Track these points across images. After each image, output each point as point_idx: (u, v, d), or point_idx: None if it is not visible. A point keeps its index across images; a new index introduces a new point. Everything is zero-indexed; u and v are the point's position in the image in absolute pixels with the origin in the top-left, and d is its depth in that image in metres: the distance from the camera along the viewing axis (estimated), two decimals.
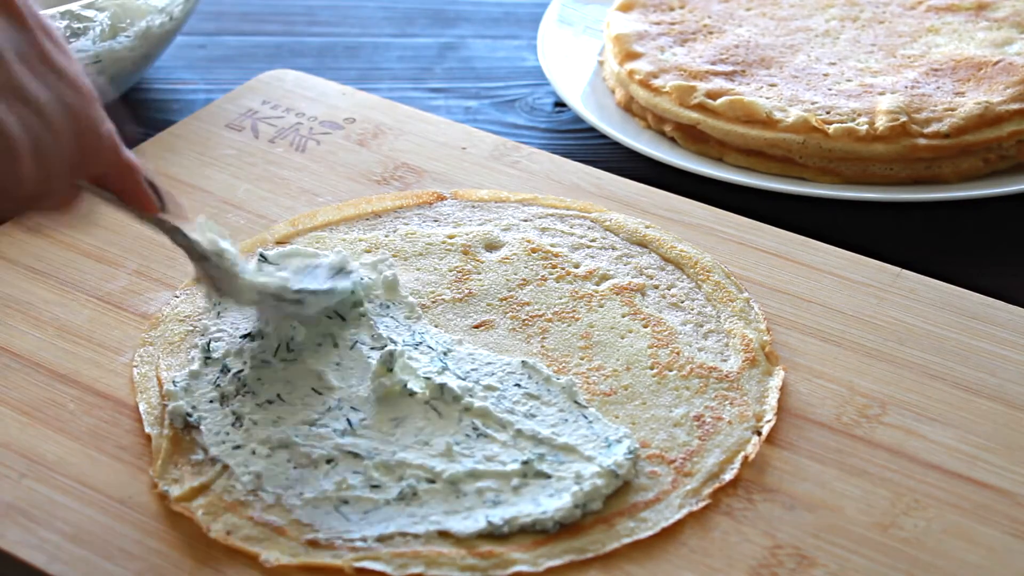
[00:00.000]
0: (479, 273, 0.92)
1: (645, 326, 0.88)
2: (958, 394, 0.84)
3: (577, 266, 0.93)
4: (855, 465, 0.79)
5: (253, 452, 0.79)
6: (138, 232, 0.98)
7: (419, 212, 0.98)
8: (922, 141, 1.04)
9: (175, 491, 0.77)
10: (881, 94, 1.09)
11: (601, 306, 0.90)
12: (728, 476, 0.78)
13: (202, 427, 0.81)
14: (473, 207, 0.99)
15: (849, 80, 1.11)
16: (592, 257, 0.94)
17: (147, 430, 0.82)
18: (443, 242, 0.95)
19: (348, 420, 0.80)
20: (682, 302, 0.90)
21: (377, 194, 1.01)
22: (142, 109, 1.23)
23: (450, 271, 0.93)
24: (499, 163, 1.05)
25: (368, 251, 0.94)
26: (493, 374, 0.84)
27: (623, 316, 0.89)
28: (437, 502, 0.76)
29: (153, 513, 0.77)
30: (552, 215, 0.98)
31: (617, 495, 0.77)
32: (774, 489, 0.78)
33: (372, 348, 0.85)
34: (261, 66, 1.22)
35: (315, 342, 0.85)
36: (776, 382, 0.84)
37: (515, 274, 0.92)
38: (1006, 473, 0.78)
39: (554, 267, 0.93)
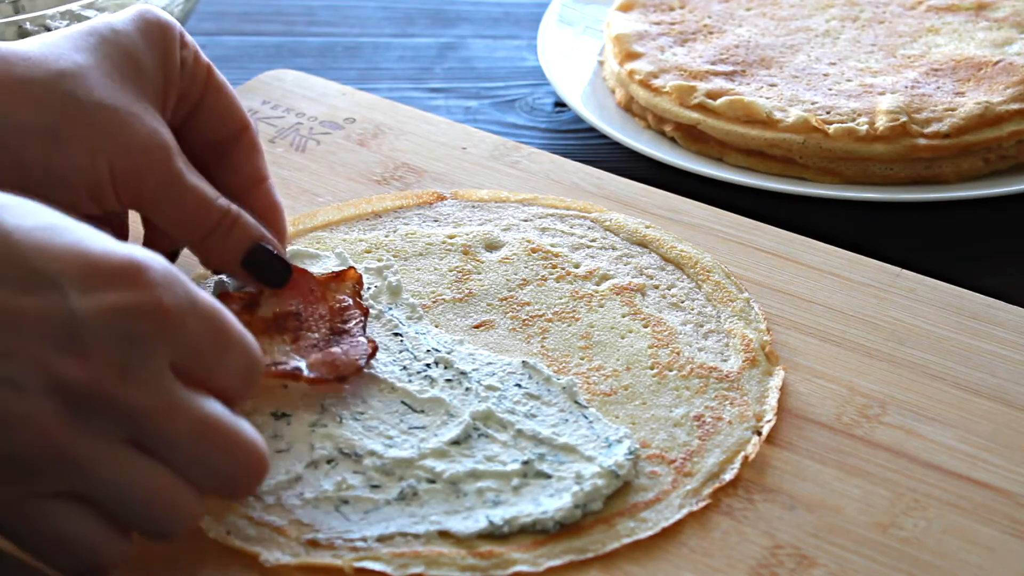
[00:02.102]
0: (479, 273, 0.92)
1: (645, 326, 0.88)
2: (958, 394, 0.84)
3: (577, 266, 0.93)
4: (855, 465, 0.79)
5: None
6: (138, 232, 0.98)
7: (419, 212, 0.98)
8: (922, 141, 1.05)
9: None
10: (881, 94, 1.09)
11: (601, 306, 0.90)
12: (728, 476, 0.78)
13: None
14: (473, 207, 0.99)
15: (849, 80, 1.11)
16: (592, 257, 0.94)
17: None
18: (443, 242, 0.95)
19: (342, 416, 0.81)
20: (682, 302, 0.90)
21: (377, 194, 1.01)
22: None
23: (450, 271, 0.93)
24: (499, 163, 1.05)
25: (368, 251, 0.94)
26: (494, 374, 0.84)
27: (623, 316, 0.89)
28: (437, 502, 0.76)
29: None
30: (552, 215, 0.98)
31: (617, 495, 0.77)
32: (774, 489, 0.78)
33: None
34: (261, 66, 1.23)
35: None
36: (776, 382, 0.84)
37: (515, 274, 0.92)
38: (1006, 473, 0.78)
39: (554, 267, 0.93)
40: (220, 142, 0.84)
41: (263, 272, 0.83)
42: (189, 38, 0.82)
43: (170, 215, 0.80)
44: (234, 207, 0.82)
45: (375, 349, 0.83)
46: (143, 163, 0.78)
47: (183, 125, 0.84)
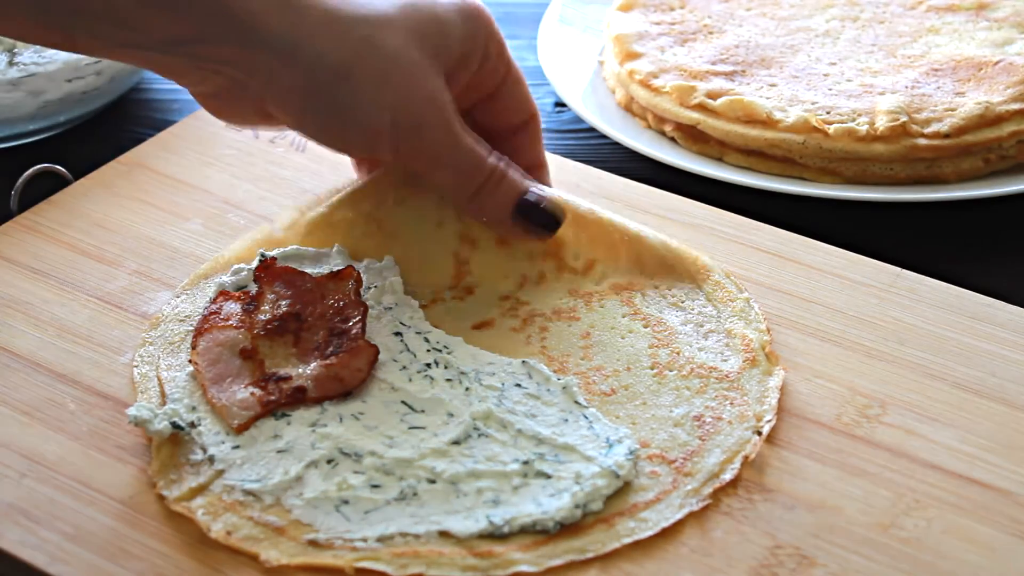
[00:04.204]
0: (479, 270, 0.92)
1: (645, 326, 0.88)
2: (958, 394, 0.84)
3: (577, 258, 0.92)
4: (855, 465, 0.79)
5: (253, 452, 0.79)
6: (138, 232, 0.98)
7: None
8: (922, 141, 1.05)
9: (174, 491, 0.77)
10: (881, 94, 1.09)
11: (602, 305, 0.89)
12: (728, 476, 0.78)
13: (202, 427, 0.81)
14: None
15: (849, 80, 1.11)
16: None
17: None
18: (441, 236, 0.94)
19: (342, 416, 0.81)
20: (682, 302, 0.90)
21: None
22: (142, 109, 1.23)
23: (448, 264, 0.92)
24: None
25: (365, 236, 0.93)
26: (494, 374, 0.84)
27: (623, 316, 0.89)
28: (437, 502, 0.76)
29: (153, 513, 0.77)
30: None
31: (617, 495, 0.77)
32: (774, 489, 0.78)
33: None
34: None
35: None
36: (776, 382, 0.84)
37: (514, 271, 0.92)
38: (1006, 473, 0.78)
39: (555, 263, 0.92)
40: (506, 129, 0.90)
41: (533, 221, 0.88)
42: (500, 35, 0.87)
43: (443, 172, 0.85)
44: (503, 162, 0.86)
45: (376, 354, 0.83)
46: (425, 118, 0.82)
47: (473, 109, 0.89)
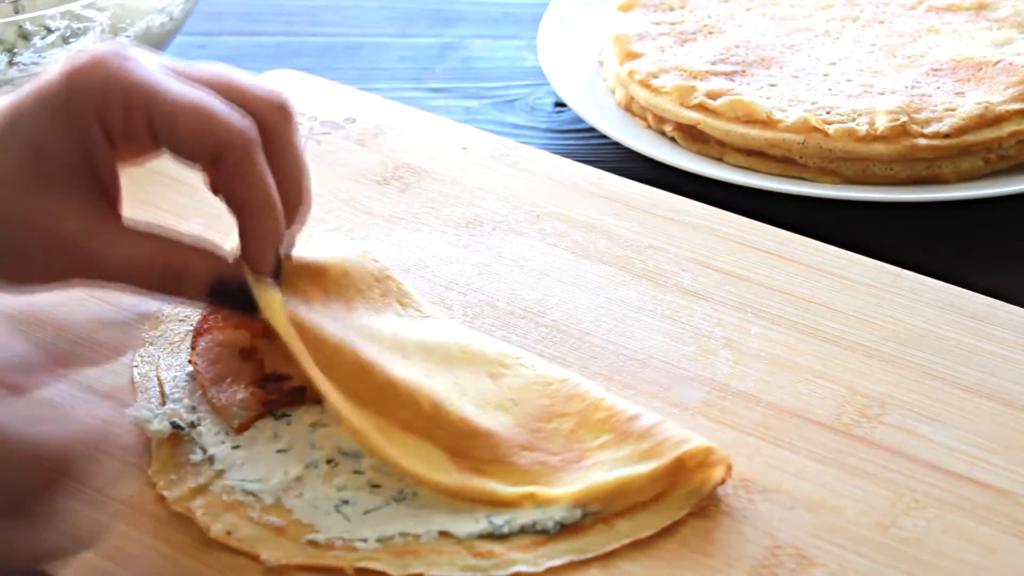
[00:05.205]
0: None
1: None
2: (958, 394, 0.84)
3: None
4: (855, 465, 0.79)
5: (253, 452, 0.79)
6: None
7: None
8: (922, 141, 1.05)
9: (174, 491, 0.77)
10: (881, 94, 1.09)
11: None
12: (727, 476, 0.78)
13: (202, 427, 0.81)
14: None
15: (849, 80, 1.11)
16: None
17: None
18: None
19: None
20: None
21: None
22: None
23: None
24: (499, 163, 1.05)
25: None
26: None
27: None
28: (437, 502, 0.76)
29: (153, 513, 0.77)
30: None
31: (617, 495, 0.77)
32: (774, 489, 0.78)
33: None
34: (261, 66, 1.22)
35: None
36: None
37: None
38: (1006, 473, 0.78)
39: None
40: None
41: (229, 307, 0.78)
42: (119, 96, 0.73)
43: (114, 287, 0.77)
44: (184, 245, 0.76)
45: None
46: (54, 262, 0.75)
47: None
